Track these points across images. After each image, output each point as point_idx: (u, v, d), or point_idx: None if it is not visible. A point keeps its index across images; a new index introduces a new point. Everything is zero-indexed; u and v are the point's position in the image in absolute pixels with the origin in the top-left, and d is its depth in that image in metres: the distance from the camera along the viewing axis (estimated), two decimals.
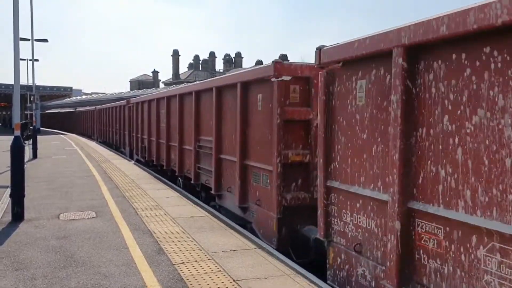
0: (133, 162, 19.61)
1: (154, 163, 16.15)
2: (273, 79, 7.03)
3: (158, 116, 15.34)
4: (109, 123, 29.96)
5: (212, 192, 9.85)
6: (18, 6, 9.25)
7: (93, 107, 42.36)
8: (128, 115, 22.31)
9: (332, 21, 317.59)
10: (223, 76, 11.52)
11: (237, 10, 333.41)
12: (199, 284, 5.25)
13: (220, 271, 5.71)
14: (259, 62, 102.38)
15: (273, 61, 7.02)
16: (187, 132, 12.04)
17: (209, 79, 11.92)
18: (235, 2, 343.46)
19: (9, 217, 8.43)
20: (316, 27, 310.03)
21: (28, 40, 26.22)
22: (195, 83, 13.10)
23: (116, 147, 27.73)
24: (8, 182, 9.02)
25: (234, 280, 5.38)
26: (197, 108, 11.07)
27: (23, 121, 29.11)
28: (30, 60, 28.75)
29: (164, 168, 14.56)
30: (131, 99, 22.93)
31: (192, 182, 11.46)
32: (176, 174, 12.99)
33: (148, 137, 16.97)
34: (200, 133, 10.91)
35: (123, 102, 24.38)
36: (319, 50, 5.53)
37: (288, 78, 6.96)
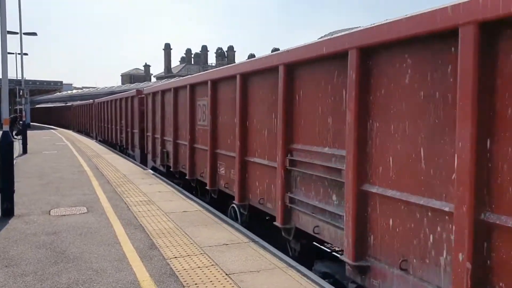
0: (149, 170, 15.03)
1: (187, 177, 11.04)
2: (137, 96, 14.30)
3: (193, 111, 10.58)
4: (112, 119, 24.79)
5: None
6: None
7: (90, 100, 37.51)
8: (139, 109, 17.85)
9: (326, 14, 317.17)
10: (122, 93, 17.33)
11: (229, 3, 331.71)
12: (192, 278, 5.23)
13: (213, 265, 5.69)
14: (251, 55, 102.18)
15: (135, 89, 14.12)
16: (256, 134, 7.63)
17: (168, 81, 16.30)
18: None
19: None
20: (310, 20, 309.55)
21: (17, 33, 25.94)
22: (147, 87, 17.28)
23: (86, 133, 30.07)
24: None
25: (226, 274, 5.37)
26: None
27: (12, 116, 28.74)
28: (18, 54, 28.45)
29: (113, 142, 20.61)
30: (144, 88, 17.91)
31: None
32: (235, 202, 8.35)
33: (174, 139, 12.24)
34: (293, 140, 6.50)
35: (132, 92, 19.49)
36: (142, 89, 12.24)
37: (142, 95, 16.27)
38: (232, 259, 5.91)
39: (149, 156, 15.41)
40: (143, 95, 16.95)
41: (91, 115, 37.53)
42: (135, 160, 18.22)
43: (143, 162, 16.83)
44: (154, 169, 14.98)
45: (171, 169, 12.57)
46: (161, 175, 13.82)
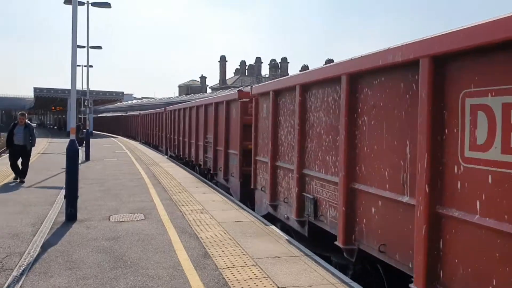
0: (166, 156, 24.23)
1: (181, 156, 20.79)
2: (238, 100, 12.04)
3: (183, 121, 20.05)
4: (150, 126, 35.44)
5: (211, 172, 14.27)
6: (77, 16, 9.71)
7: (137, 113, 48.92)
8: (164, 120, 26.65)
9: (376, 22, 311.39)
10: (209, 97, 17.67)
11: (281, 15, 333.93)
12: None
13: (265, 277, 5.69)
14: (304, 67, 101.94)
15: (237, 90, 11.49)
16: (199, 132, 16.83)
17: (202, 99, 19.30)
18: (279, 7, 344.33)
19: (63, 217, 8.82)
20: (362, 29, 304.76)
21: (84, 47, 27.47)
22: (196, 101, 19.85)
23: (155, 146, 32.41)
24: (62, 183, 9.43)
25: (278, 287, 5.34)
26: (205, 117, 16.02)
27: (76, 124, 30.34)
28: (85, 66, 30.08)
29: (187, 159, 19.35)
30: (167, 107, 26.52)
31: (201, 167, 16.23)
32: (193, 163, 18.01)
33: (177, 137, 21.63)
34: (207, 133, 15.58)
35: (161, 109, 29.12)
36: (251, 87, 11.16)
37: (247, 99, 11.73)
38: (284, 272, 5.88)
39: (264, 196, 9.54)
40: (167, 112, 18.12)
41: (137, 123, 40.87)
42: (229, 194, 12.51)
43: (245, 199, 11.57)
44: (170, 156, 17.29)
45: (176, 154, 18.50)
46: (174, 159, 19.13)
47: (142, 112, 44.92)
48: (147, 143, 36.74)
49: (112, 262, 6.27)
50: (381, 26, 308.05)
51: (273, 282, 5.51)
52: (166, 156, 24.58)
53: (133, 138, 46.31)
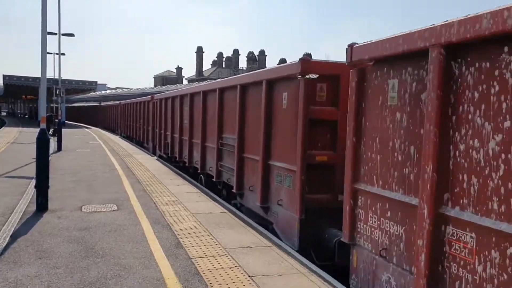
0: (155, 157, 19.77)
1: (177, 159, 15.85)
2: (299, 77, 6.93)
3: (182, 113, 15.24)
4: (133, 118, 30.06)
5: (234, 190, 9.74)
6: (46, 1, 9.50)
7: (117, 102, 41.48)
8: (152, 111, 21.85)
9: (357, 21, 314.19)
10: (248, 73, 10.38)
11: (261, 8, 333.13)
12: (215, 278, 5.34)
13: (236, 266, 5.79)
14: (282, 60, 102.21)
15: (300, 59, 6.91)
16: (210, 129, 11.88)
17: (232, 77, 11.83)
18: (259, 0, 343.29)
19: (33, 207, 8.70)
20: (341, 27, 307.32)
21: (55, 34, 26.80)
22: (218, 81, 12.94)
23: (138, 142, 27.43)
24: (33, 173, 9.29)
25: (249, 276, 5.45)
26: (220, 105, 10.89)
27: (48, 114, 29.69)
28: (56, 54, 29.43)
29: (187, 165, 14.41)
30: (155, 95, 21.77)
31: (214, 179, 11.35)
32: (198, 171, 12.90)
33: (171, 133, 16.81)
34: (224, 131, 10.79)
35: (148, 98, 23.68)
36: (350, 47, 5.31)
37: (315, 76, 6.86)
38: (255, 262, 5.99)
39: (157, 147, 21.34)
40: (155, 100, 21.74)
41: (116, 114, 38.55)
42: (148, 151, 22.59)
43: (154, 152, 22.20)
44: (160, 157, 20.28)
45: (169, 155, 18.22)
46: (164, 160, 18.75)
47: (123, 101, 38.38)
48: (129, 138, 31.95)
49: (84, 251, 6.26)
50: (362, 21, 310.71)
51: (244, 271, 5.61)
52: (156, 157, 19.99)
53: (112, 130, 42.83)
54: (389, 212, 4.68)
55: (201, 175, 12.98)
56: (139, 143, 27.08)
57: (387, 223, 4.69)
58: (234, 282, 5.25)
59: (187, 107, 14.28)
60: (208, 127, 12.16)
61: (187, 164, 14.52)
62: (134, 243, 6.71)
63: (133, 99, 33.53)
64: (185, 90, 15.60)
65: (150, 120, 22.75)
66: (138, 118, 27.71)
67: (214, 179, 11.34)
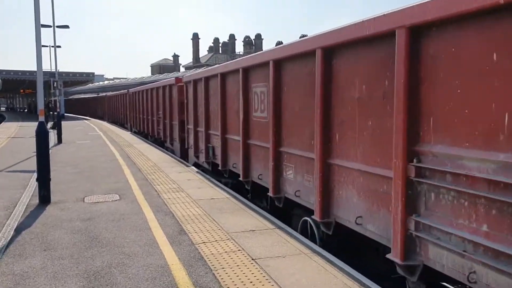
0: (130, 132, 21.32)
1: (142, 131, 17.35)
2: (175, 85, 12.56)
3: (146, 102, 22.89)
4: (116, 106, 36.59)
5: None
6: None
7: (125, 90, 35.24)
8: (128, 101, 23.47)
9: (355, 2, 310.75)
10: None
11: None
12: (219, 263, 5.39)
13: (239, 250, 5.84)
14: (279, 43, 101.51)
15: (175, 77, 12.32)
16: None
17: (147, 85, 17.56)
18: None
19: (36, 200, 8.75)
20: (340, 8, 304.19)
21: (50, 26, 26.62)
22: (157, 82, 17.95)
23: (121, 124, 29.14)
24: (34, 166, 9.31)
25: (252, 259, 5.50)
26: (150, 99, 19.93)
27: (46, 102, 29.65)
28: (52, 46, 29.26)
29: (150, 135, 21.20)
30: (130, 89, 23.42)
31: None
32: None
33: (139, 114, 21.38)
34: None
35: (125, 91, 27.88)
36: (181, 77, 10.70)
37: (181, 84, 15.17)
38: (258, 245, 6.04)
39: (190, 151, 14.34)
40: (182, 83, 14.97)
41: (124, 106, 33.33)
42: (174, 154, 16.66)
43: (184, 155, 15.95)
44: (196, 165, 13.40)
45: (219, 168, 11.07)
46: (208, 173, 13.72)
47: (108, 94, 47.22)
48: (114, 122, 39.12)
49: (88, 242, 6.30)
50: (358, 3, 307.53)
51: (248, 254, 5.66)
52: (130, 132, 27.99)
53: (101, 118, 49.45)
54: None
55: (151, 137, 20.78)
56: (121, 125, 30.49)
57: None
58: (238, 266, 5.30)
59: (143, 98, 20.12)
60: (153, 108, 21.48)
61: (146, 132, 22.00)
62: (138, 231, 6.75)
63: (115, 92, 37.37)
64: (140, 88, 21.21)
65: (128, 107, 28.63)
66: (119, 107, 32.58)
67: (156, 137, 21.08)
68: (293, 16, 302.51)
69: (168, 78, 29.61)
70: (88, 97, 74.28)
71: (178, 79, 16.22)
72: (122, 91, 36.79)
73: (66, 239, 6.45)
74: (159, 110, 19.59)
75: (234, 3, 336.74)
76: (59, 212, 8.02)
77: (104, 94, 56.45)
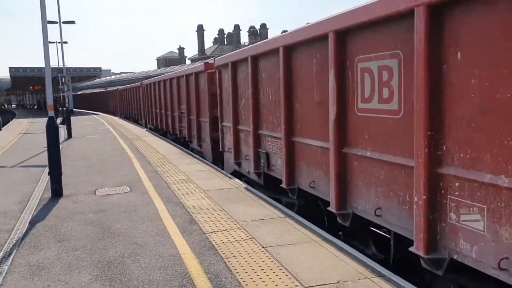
0: (146, 129, 21.47)
1: (159, 128, 21.39)
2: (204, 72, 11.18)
3: (158, 95, 21.58)
4: (128, 101, 35.79)
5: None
6: None
7: (115, 88, 40.59)
8: (142, 94, 23.31)
9: None
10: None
11: None
12: (230, 251, 5.46)
13: (250, 238, 5.90)
14: (285, 32, 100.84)
15: (204, 62, 10.80)
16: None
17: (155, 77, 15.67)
18: None
19: (49, 194, 8.88)
20: None
21: (56, 23, 26.76)
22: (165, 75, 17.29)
23: (134, 120, 29.62)
24: (46, 161, 9.43)
25: (263, 247, 5.56)
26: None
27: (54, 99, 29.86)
28: (59, 42, 29.41)
29: (170, 132, 19.32)
30: (144, 81, 24.35)
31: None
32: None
33: (155, 109, 23.01)
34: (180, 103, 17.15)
35: (138, 84, 27.36)
36: (214, 60, 9.66)
37: (212, 71, 12.44)
38: (268, 233, 6.10)
39: (230, 156, 10.65)
40: (213, 70, 11.67)
41: (138, 100, 28.48)
42: (203, 158, 13.79)
43: (217, 160, 12.93)
44: None
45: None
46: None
47: (120, 87, 42.00)
48: (126, 118, 36.64)
49: (100, 233, 6.41)
50: None
51: (258, 243, 5.72)
52: (146, 129, 25.24)
53: (113, 113, 45.89)
54: None
55: (171, 135, 18.65)
56: (135, 121, 30.68)
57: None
58: (248, 254, 5.36)
59: (161, 90, 20.13)
60: (173, 102, 18.45)
61: (165, 130, 20.84)
62: (149, 222, 6.85)
63: (127, 85, 36.34)
64: (156, 79, 20.35)
65: (141, 101, 28.33)
66: (132, 101, 31.97)
67: (177, 136, 17.96)
68: (297, 4, 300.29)
69: (183, 68, 20.57)
70: (97, 92, 74.40)
71: (208, 65, 12.92)
72: (136, 83, 31.40)
73: (79, 230, 6.56)
74: (182, 104, 16.31)
75: None
76: (71, 204, 8.15)
77: (113, 88, 55.48)
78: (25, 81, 61.45)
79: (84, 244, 5.96)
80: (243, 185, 9.38)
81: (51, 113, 9.20)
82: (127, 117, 36.59)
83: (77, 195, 8.89)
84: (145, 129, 24.07)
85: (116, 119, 38.06)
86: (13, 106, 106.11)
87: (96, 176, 10.94)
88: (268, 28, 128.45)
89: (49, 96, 9.88)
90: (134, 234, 6.28)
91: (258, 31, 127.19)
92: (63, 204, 8.19)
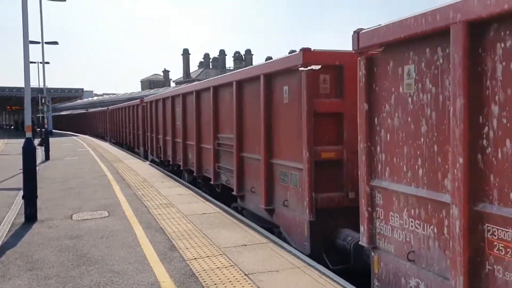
0: (148, 162, 18.65)
1: (170, 163, 15.27)
2: (301, 69, 6.37)
3: (174, 115, 14.47)
4: (122, 123, 29.05)
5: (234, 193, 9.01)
6: (27, 9, 9.32)
7: (105, 108, 40.57)
8: (142, 114, 20.99)
9: (343, 13, 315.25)
10: (244, 69, 9.54)
11: (246, 8, 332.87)
12: (211, 279, 5.25)
13: (232, 265, 5.70)
14: (269, 59, 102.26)
15: (301, 49, 6.43)
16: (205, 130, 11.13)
17: (228, 73, 10.77)
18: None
19: (22, 219, 8.52)
20: (326, 21, 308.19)
21: (38, 43, 26.51)
22: (210, 79, 11.97)
23: (129, 148, 26.58)
24: (21, 184, 9.10)
25: (245, 274, 5.37)
26: (215, 104, 10.28)
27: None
28: (40, 62, 29.08)
29: (181, 168, 13.76)
30: (145, 98, 20.77)
31: (211, 182, 10.69)
32: (195, 174, 12.15)
33: (164, 136, 15.98)
34: (219, 130, 10.21)
35: (137, 101, 23.20)
36: (357, 33, 4.78)
37: (317, 67, 6.39)
38: (251, 259, 5.91)
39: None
40: (144, 103, 15.14)
41: (136, 121, 23.91)
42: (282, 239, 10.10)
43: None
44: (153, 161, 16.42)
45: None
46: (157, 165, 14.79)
47: (111, 106, 37.88)
48: (118, 144, 30.92)
49: (76, 260, 6.12)
50: (345, 16, 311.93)
51: (240, 270, 5.53)
52: (148, 162, 19.04)
53: (102, 137, 42.34)
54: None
55: (198, 179, 12.47)
56: (129, 148, 26.49)
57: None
58: (230, 281, 5.16)
59: (179, 107, 13.64)
60: (201, 126, 11.61)
61: (182, 167, 13.79)
62: (127, 249, 6.58)
63: (120, 104, 32.66)
64: (175, 91, 14.97)
65: (141, 124, 21.85)
66: (127, 123, 26.69)
67: (211, 181, 10.73)
68: (281, 32, 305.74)
69: (158, 93, 23.14)
70: (80, 113, 73.27)
71: (141, 100, 14.63)
72: (134, 101, 25.92)
73: (53, 258, 6.26)
74: (221, 131, 13.02)
75: (225, 18, 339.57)
76: (46, 230, 7.82)
77: (103, 108, 53.34)
78: (3, 101, 60.45)
79: (58, 272, 5.66)
80: (227, 209, 9.18)
81: (28, 134, 8.95)
82: (118, 143, 31.17)
83: (52, 220, 8.55)
84: (147, 162, 18.83)
85: (96, 140, 37.46)
86: None
87: (73, 200, 10.60)
88: (253, 54, 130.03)
89: (28, 116, 9.63)
90: (111, 261, 6.02)
91: (243, 56, 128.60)
92: (37, 230, 7.86)
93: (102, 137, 41.86)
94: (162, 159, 16.70)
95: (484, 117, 3.50)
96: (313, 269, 5.51)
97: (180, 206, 9.49)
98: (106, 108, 41.35)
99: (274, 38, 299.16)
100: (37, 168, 9.64)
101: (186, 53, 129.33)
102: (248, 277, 5.28)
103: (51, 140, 24.85)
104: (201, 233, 7.33)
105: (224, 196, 10.14)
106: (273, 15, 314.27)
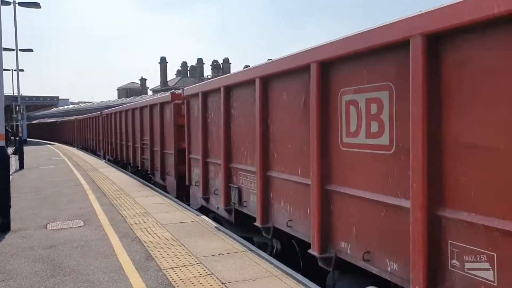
0: (104, 161, 23.42)
1: (119, 159, 20.37)
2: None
3: (121, 125, 19.66)
4: (87, 131, 34.09)
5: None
6: (0, 16, 9.22)
7: (73, 118, 46.39)
8: (101, 124, 25.33)
9: (319, 24, 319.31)
10: (147, 99, 15.50)
11: (224, 17, 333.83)
12: None
13: (209, 274, 5.72)
14: (246, 67, 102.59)
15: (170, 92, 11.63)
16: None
17: (136, 101, 17.72)
18: (222, 8, 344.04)
19: None
20: (304, 31, 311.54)
21: (13, 50, 26.08)
22: (131, 103, 19.11)
23: (92, 151, 30.86)
24: None
25: (222, 283, 5.39)
26: (132, 119, 17.35)
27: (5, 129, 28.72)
28: (15, 70, 28.57)
29: (131, 164, 18.02)
30: (104, 111, 25.46)
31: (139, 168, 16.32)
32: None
33: (115, 140, 20.92)
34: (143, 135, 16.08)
35: (97, 113, 28.28)
36: (182, 89, 10.42)
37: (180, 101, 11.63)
38: (228, 268, 5.93)
39: (197, 190, 10.01)
40: (180, 101, 11.56)
41: (97, 129, 27.84)
42: (167, 192, 13.07)
43: (181, 195, 12.34)
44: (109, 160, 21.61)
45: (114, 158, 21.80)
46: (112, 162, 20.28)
47: (78, 117, 42.21)
48: (84, 149, 35.30)
49: (50, 270, 6.03)
50: (322, 24, 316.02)
51: (217, 279, 5.54)
52: (104, 160, 24.42)
53: (70, 144, 44.68)
54: None
55: (134, 168, 17.75)
56: (93, 152, 30.92)
57: None
58: None
59: (122, 120, 19.53)
60: (135, 133, 16.94)
61: (125, 161, 19.23)
62: (103, 258, 6.52)
63: (86, 115, 37.50)
64: (117, 108, 20.90)
65: (101, 131, 26.26)
66: (91, 131, 31.97)
67: (139, 168, 16.61)
68: (259, 40, 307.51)
69: (146, 98, 24.27)
70: (53, 121, 72.23)
71: (175, 95, 12.23)
72: (95, 113, 30.48)
73: (27, 268, 6.15)
74: (145, 136, 15.64)
75: (203, 27, 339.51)
76: (19, 240, 7.67)
77: (71, 117, 53.70)
78: None
79: (31, 283, 5.57)
80: (204, 218, 9.18)
81: (1, 142, 8.79)
82: (85, 148, 35.44)
83: (26, 230, 8.40)
84: (103, 160, 24.28)
85: (73, 149, 36.91)
86: None
87: (48, 209, 10.42)
88: (230, 63, 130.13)
89: (1, 124, 9.47)
90: (86, 271, 5.95)
91: (221, 65, 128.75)
92: (10, 240, 7.70)
93: (71, 144, 44.51)
94: (114, 157, 21.74)
95: None
96: (290, 278, 5.56)
97: (157, 215, 9.45)
98: (74, 117, 46.79)
99: (252, 47, 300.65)
100: (11, 177, 9.44)
101: (163, 62, 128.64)
102: (225, 286, 5.30)
103: (26, 148, 24.38)
104: (178, 242, 7.31)
105: (141, 172, 16.58)
106: (251, 24, 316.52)
